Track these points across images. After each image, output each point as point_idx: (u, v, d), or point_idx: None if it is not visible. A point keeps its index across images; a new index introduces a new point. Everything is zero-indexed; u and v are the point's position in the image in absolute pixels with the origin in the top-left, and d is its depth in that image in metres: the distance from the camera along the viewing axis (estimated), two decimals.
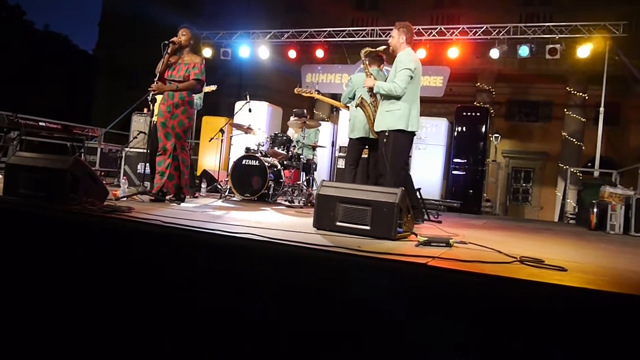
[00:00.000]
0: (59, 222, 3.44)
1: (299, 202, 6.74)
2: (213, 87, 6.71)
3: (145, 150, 6.64)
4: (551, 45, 9.86)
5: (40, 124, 8.32)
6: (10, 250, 3.41)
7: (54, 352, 3.04)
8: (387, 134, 4.76)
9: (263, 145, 7.21)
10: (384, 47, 5.11)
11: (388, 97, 4.79)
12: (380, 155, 4.87)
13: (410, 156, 10.07)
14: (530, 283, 2.22)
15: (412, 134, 4.87)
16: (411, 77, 4.74)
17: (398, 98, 4.73)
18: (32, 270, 3.29)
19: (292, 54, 11.88)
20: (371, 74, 5.10)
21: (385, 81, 5.00)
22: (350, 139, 5.57)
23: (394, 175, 4.69)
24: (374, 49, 5.22)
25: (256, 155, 6.81)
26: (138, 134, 8.54)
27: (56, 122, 8.73)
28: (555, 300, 2.12)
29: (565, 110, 16.98)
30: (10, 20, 30.44)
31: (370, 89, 5.02)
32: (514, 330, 2.10)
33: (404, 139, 4.80)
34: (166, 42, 5.01)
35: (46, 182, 3.90)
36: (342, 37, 11.41)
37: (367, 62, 5.21)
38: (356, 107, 5.26)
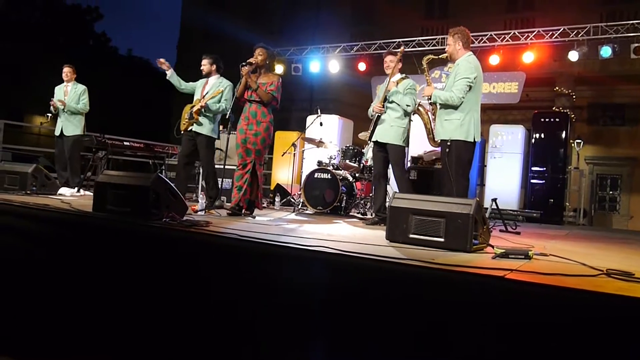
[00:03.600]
0: (142, 236, 3.63)
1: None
2: None
3: (222, 166, 6.84)
4: (636, 44, 9.29)
5: (125, 143, 8.81)
6: (99, 262, 3.62)
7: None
8: (448, 143, 4.68)
9: (335, 158, 7.26)
10: (445, 54, 5.03)
11: (447, 106, 4.69)
12: (443, 165, 4.79)
13: (485, 165, 9.80)
14: (618, 297, 2.09)
15: (474, 143, 4.74)
16: (470, 87, 4.62)
17: (455, 107, 4.63)
18: (118, 279, 3.48)
19: (361, 66, 11.91)
20: (431, 82, 5.02)
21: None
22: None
23: (458, 185, 4.58)
24: (435, 57, 5.15)
25: (328, 168, 6.87)
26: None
27: (139, 141, 9.21)
28: None
29: None
30: (97, 47, 32.62)
31: (429, 98, 4.93)
32: (599, 348, 1.98)
33: (465, 149, 4.68)
34: (244, 63, 5.20)
35: (131, 198, 4.12)
36: (412, 47, 11.31)
37: (428, 70, 5.14)
38: (413, 114, 5.23)
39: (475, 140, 4.72)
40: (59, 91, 7.20)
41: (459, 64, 4.75)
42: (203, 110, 5.74)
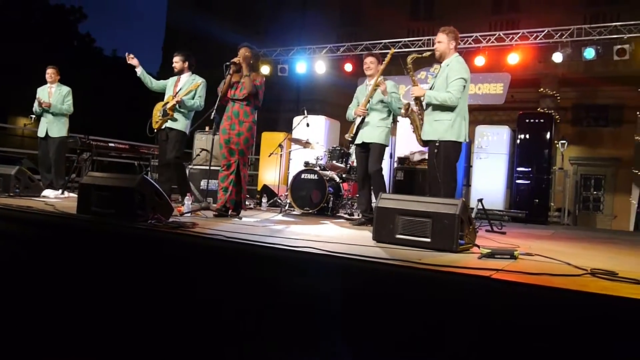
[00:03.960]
0: (127, 238, 3.60)
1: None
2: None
3: (208, 167, 6.80)
4: (619, 46, 9.40)
5: (110, 144, 8.75)
6: (84, 264, 3.58)
7: None
8: (437, 144, 4.67)
9: (322, 159, 7.25)
10: (429, 53, 5.02)
11: (439, 107, 4.66)
12: (431, 166, 4.80)
13: (471, 166, 9.86)
14: (602, 297, 2.11)
15: (461, 144, 4.75)
16: (464, 87, 4.63)
17: (451, 108, 4.62)
18: (104, 281, 3.44)
19: (348, 67, 11.92)
20: (418, 83, 5.00)
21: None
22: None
23: (445, 186, 4.60)
24: (419, 55, 5.12)
25: (315, 169, 6.86)
26: (200, 152, 8.78)
27: (124, 143, 9.15)
28: (630, 315, 2.00)
29: (638, 113, 16.11)
30: (81, 48, 32.26)
31: (417, 98, 4.91)
32: (584, 347, 2.00)
33: (453, 149, 4.68)
34: (228, 63, 5.18)
35: (115, 200, 4.08)
36: (398, 48, 11.32)
37: (413, 70, 5.10)
38: (404, 116, 5.23)
39: (465, 140, 4.74)
40: (43, 92, 7.11)
41: (450, 64, 4.72)
42: (178, 106, 5.72)
